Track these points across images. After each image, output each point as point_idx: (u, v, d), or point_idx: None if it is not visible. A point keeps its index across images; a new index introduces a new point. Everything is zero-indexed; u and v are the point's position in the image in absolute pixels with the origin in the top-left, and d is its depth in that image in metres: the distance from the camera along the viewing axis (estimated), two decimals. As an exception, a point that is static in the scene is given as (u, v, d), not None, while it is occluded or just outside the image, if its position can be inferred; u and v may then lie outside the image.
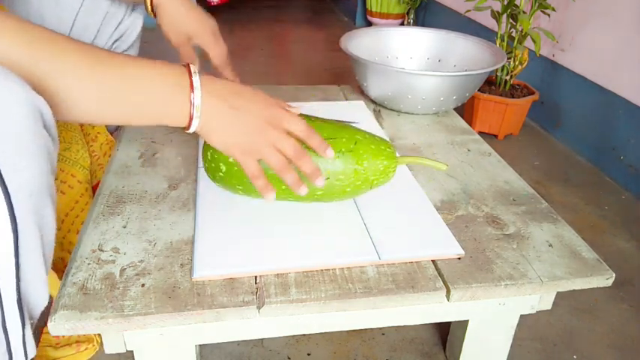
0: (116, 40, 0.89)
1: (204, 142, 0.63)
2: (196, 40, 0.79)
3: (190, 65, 0.53)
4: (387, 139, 0.67)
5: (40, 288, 0.48)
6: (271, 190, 0.58)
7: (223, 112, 0.54)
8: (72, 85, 0.46)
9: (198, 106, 0.52)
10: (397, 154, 0.69)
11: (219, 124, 0.55)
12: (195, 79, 0.52)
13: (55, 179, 0.78)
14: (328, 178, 0.61)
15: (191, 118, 0.53)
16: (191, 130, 0.54)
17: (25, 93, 0.41)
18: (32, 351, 0.49)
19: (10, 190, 0.41)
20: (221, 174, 0.63)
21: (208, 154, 0.63)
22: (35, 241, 0.45)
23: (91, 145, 0.91)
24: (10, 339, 0.46)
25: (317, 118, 0.64)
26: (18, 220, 0.42)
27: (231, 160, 0.61)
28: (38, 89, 0.43)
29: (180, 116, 0.53)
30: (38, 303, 0.49)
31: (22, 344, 0.47)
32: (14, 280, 0.44)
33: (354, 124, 0.69)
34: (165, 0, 0.77)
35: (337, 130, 0.63)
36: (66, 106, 0.47)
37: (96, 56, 0.48)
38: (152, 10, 0.79)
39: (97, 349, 0.75)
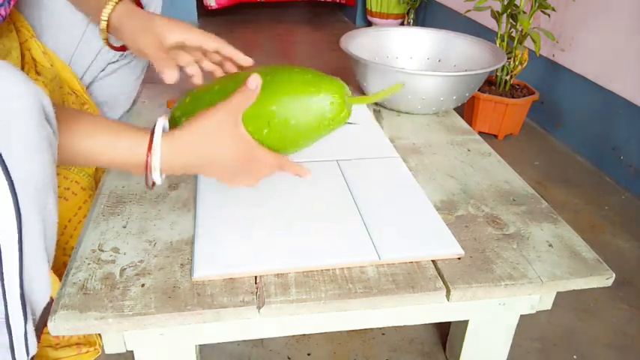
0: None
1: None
2: (171, 37, 0.70)
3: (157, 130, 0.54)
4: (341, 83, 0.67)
5: (42, 282, 0.48)
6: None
7: (189, 168, 0.58)
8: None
9: (155, 169, 0.54)
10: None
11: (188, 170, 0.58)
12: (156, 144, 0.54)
13: (59, 185, 0.78)
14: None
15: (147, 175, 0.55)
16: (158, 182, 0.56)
17: (27, 85, 0.41)
18: (33, 348, 0.49)
19: (15, 182, 0.41)
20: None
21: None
22: (38, 234, 0.45)
23: None
24: (13, 334, 0.46)
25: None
26: (22, 212, 0.42)
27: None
28: None
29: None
30: (40, 298, 0.49)
31: (24, 340, 0.47)
32: (18, 273, 0.44)
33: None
34: (124, 17, 0.69)
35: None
36: None
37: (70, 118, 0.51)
38: (106, 38, 0.73)
39: (99, 353, 0.75)
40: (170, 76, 0.63)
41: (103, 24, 0.70)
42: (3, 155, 0.40)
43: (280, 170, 0.63)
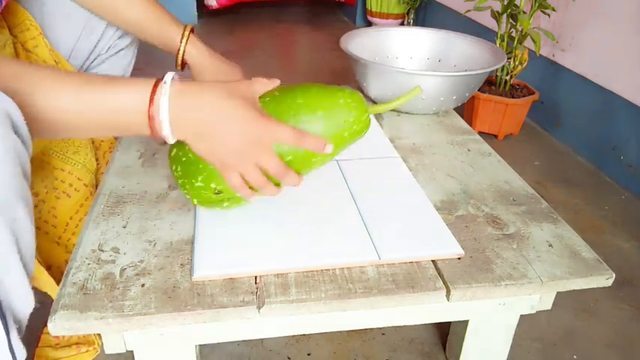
0: (119, 37, 0.90)
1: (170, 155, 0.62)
2: None
3: (167, 75, 0.52)
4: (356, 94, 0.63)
5: (22, 292, 0.47)
6: (254, 195, 0.59)
7: (199, 127, 0.53)
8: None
9: (163, 120, 0.51)
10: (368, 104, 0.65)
11: (196, 137, 0.53)
12: (164, 90, 0.51)
13: (63, 182, 0.78)
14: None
15: (152, 128, 0.51)
16: (169, 140, 0.53)
17: None
18: (22, 355, 0.48)
19: None
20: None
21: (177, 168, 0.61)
22: (10, 246, 0.44)
23: (95, 152, 0.91)
24: None
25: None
26: None
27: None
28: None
29: (142, 127, 0.52)
30: (22, 307, 0.48)
31: (9, 350, 0.47)
32: None
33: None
34: (196, 59, 0.82)
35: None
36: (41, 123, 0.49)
37: (72, 78, 0.50)
38: (181, 64, 0.83)
39: (98, 352, 0.75)
40: None
41: (179, 62, 0.82)
42: None
43: (297, 142, 0.57)
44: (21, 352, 0.48)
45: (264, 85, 0.59)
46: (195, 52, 0.82)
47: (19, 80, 0.47)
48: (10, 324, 0.47)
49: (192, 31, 0.82)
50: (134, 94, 0.51)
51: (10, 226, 0.44)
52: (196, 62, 0.82)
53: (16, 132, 0.43)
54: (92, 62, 0.90)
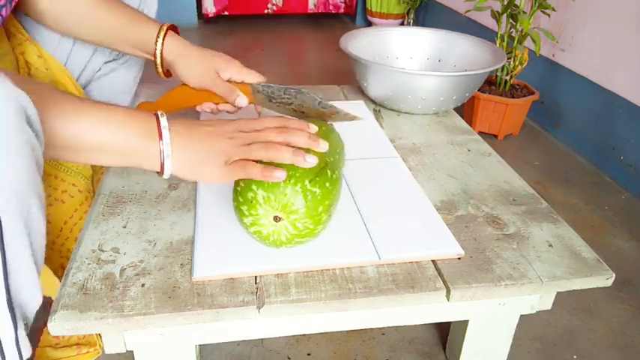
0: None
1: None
2: (225, 74, 0.78)
3: (158, 112, 0.55)
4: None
5: (31, 287, 0.47)
6: (275, 169, 0.54)
7: (192, 145, 0.56)
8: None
9: (167, 144, 0.54)
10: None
11: (190, 157, 0.56)
12: (163, 120, 0.54)
13: (56, 189, 0.78)
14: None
15: (162, 164, 0.54)
16: (166, 173, 0.55)
17: (7, 90, 0.40)
18: (27, 352, 0.48)
19: None
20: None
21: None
22: (22, 240, 0.44)
23: None
24: (2, 340, 0.46)
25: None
26: (2, 219, 0.41)
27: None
28: None
29: (153, 161, 0.54)
30: (31, 303, 0.48)
31: (16, 345, 0.47)
32: (2, 281, 0.44)
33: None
34: (179, 56, 0.76)
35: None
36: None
37: (77, 103, 0.51)
38: (163, 70, 0.78)
39: (100, 353, 0.75)
40: (244, 101, 0.77)
41: (158, 62, 0.76)
42: None
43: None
44: (27, 348, 0.48)
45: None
46: (175, 48, 0.76)
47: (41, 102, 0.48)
48: (19, 319, 0.47)
49: (170, 28, 0.76)
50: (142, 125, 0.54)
51: (24, 220, 0.44)
52: (176, 54, 0.76)
53: (31, 126, 0.43)
54: (99, 70, 0.88)
